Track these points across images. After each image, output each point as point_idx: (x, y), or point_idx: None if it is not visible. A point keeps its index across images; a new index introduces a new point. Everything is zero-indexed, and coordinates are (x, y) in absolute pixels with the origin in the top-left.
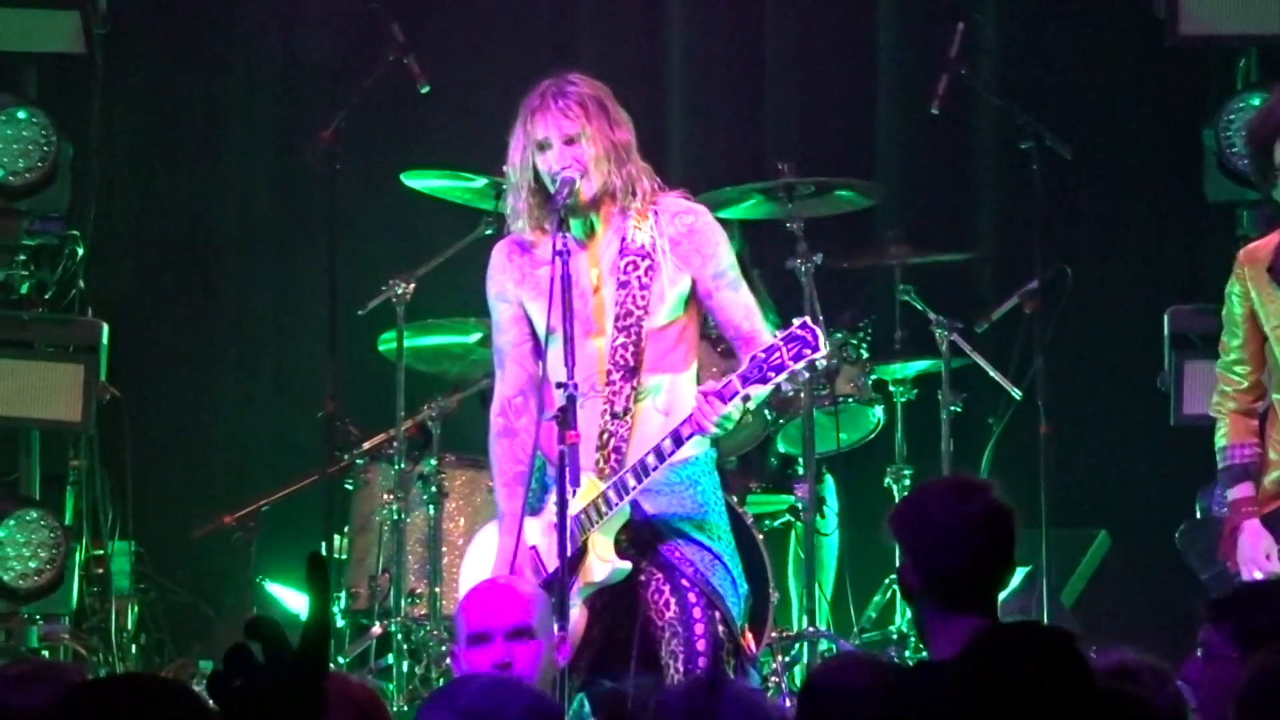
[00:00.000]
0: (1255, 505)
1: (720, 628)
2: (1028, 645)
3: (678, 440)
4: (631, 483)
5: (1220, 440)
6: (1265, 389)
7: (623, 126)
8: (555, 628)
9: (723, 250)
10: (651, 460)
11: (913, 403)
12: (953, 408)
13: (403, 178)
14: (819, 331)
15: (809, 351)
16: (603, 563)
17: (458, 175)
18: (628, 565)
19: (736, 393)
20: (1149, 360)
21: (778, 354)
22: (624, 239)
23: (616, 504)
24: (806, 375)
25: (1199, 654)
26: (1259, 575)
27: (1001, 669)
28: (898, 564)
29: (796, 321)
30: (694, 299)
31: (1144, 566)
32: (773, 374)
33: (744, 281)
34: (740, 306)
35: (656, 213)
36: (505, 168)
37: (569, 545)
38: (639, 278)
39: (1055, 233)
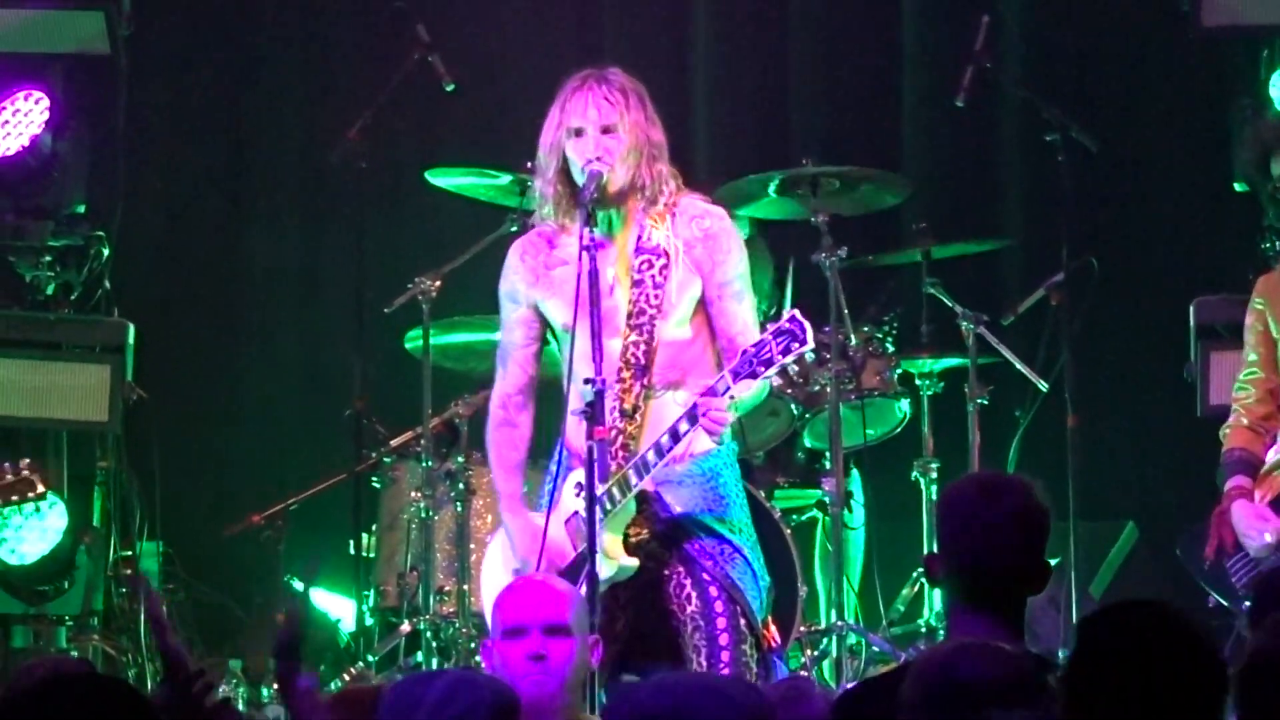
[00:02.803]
0: (1247, 494)
1: (742, 621)
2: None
3: (675, 436)
4: (633, 479)
5: (1224, 441)
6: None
7: (657, 126)
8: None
9: (735, 258)
10: (652, 456)
11: (939, 396)
12: (979, 401)
13: (427, 175)
14: (806, 325)
15: (796, 345)
16: (610, 559)
17: (482, 172)
18: (634, 562)
19: (728, 388)
20: (1176, 351)
21: (767, 349)
22: (640, 238)
23: (620, 500)
24: (795, 369)
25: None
26: (1269, 538)
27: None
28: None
29: (785, 315)
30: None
31: (1172, 557)
32: (761, 368)
33: (750, 295)
34: (739, 319)
35: (675, 214)
36: (539, 153)
37: (584, 542)
38: (653, 277)
39: (1081, 224)
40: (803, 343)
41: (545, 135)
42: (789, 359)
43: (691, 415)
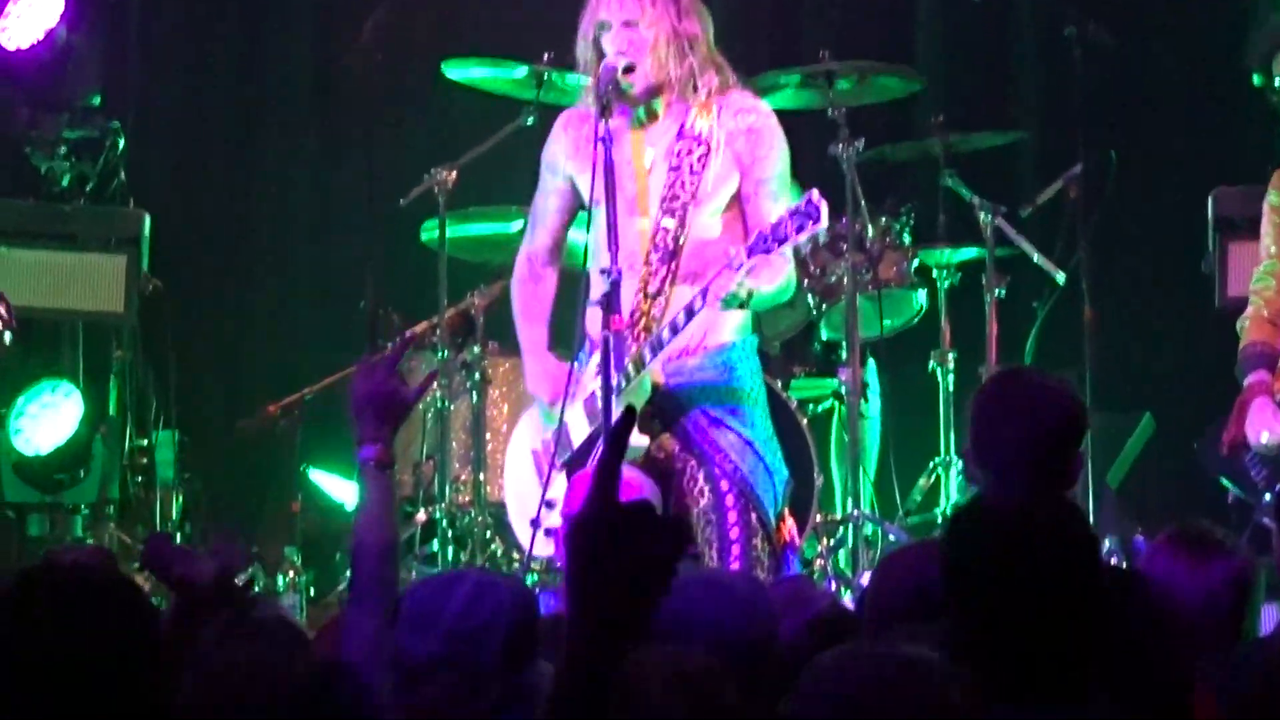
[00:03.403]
0: (1268, 388)
1: (753, 515)
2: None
3: (690, 312)
4: (647, 356)
5: (1242, 335)
6: None
7: (693, 18)
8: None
9: (775, 156)
10: (666, 334)
11: (956, 287)
12: (997, 292)
13: (443, 68)
14: (822, 206)
15: (811, 224)
16: None
17: (498, 64)
18: (644, 440)
19: (743, 264)
20: (1193, 243)
21: (782, 227)
22: (684, 125)
23: (635, 378)
24: (808, 247)
25: None
26: (1266, 439)
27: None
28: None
29: (803, 195)
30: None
31: (1188, 449)
32: (775, 245)
33: (787, 196)
34: (774, 217)
35: (721, 106)
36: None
37: (598, 422)
38: (691, 164)
39: (1098, 118)
40: (816, 221)
41: (583, 27)
42: (803, 236)
43: (705, 292)
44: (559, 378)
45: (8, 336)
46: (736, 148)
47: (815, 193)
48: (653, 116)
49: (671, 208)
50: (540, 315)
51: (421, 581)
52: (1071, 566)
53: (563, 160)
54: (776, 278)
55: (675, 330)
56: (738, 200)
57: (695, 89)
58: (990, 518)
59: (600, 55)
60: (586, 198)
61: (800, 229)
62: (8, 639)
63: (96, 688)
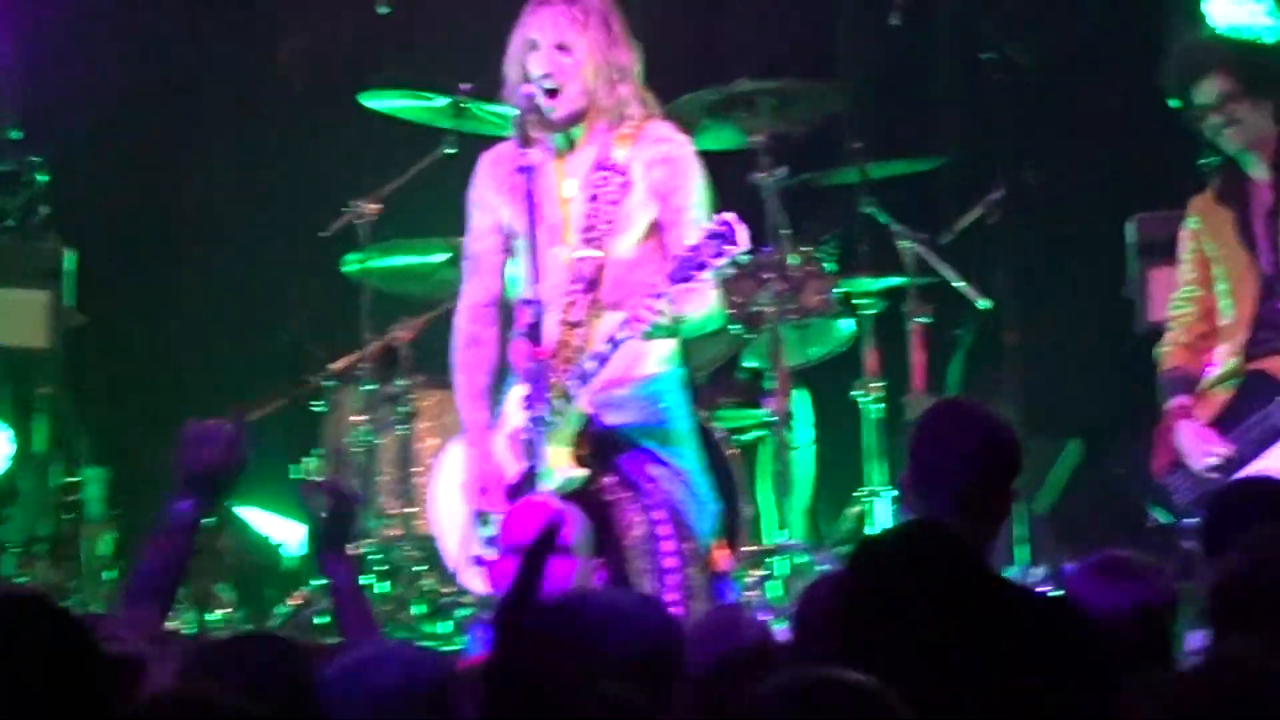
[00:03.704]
0: (1189, 412)
1: (686, 545)
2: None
3: (614, 342)
4: (574, 387)
5: (1162, 360)
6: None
7: (623, 48)
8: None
9: (692, 186)
10: (590, 365)
11: (881, 316)
12: (920, 319)
13: (360, 99)
14: (738, 228)
15: (729, 247)
16: (556, 471)
17: (417, 95)
18: (582, 472)
19: (664, 294)
20: (1114, 268)
21: (698, 253)
22: (601, 153)
23: (565, 410)
24: (731, 272)
25: None
26: (1213, 460)
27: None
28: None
29: (716, 219)
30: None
31: (1115, 474)
32: (695, 272)
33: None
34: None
35: (641, 137)
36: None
37: (529, 459)
38: (608, 194)
39: (1018, 142)
40: (733, 242)
41: (510, 44)
42: (722, 261)
43: (629, 322)
44: (490, 483)
45: None
46: (653, 177)
47: (730, 215)
48: (570, 145)
49: (590, 237)
50: (482, 391)
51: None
52: (949, 594)
53: (492, 197)
54: (701, 304)
55: (601, 361)
56: (657, 229)
57: (620, 119)
58: (872, 547)
59: (525, 74)
60: (513, 230)
61: (718, 254)
62: None
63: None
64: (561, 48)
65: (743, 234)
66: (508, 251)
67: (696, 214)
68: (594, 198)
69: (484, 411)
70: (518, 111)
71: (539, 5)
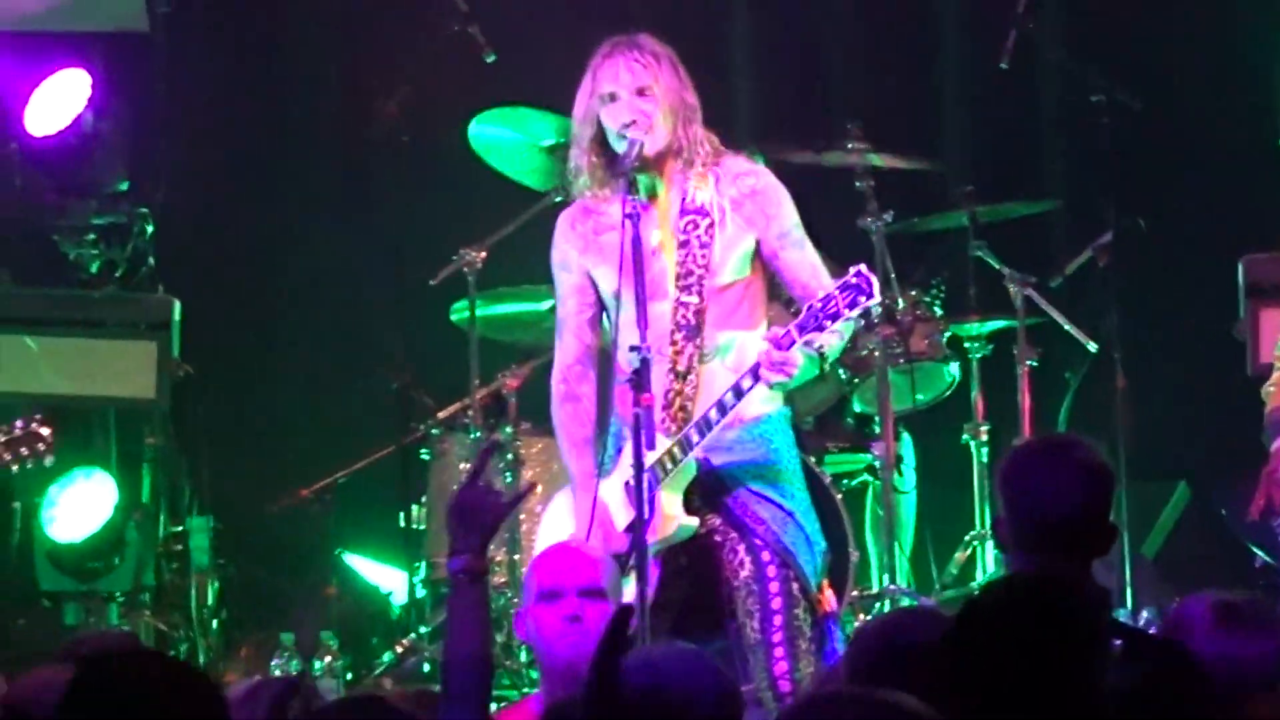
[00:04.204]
0: None
1: (795, 585)
2: (1034, 593)
3: (739, 393)
4: (695, 438)
5: (1267, 400)
6: None
7: (690, 89)
8: (626, 592)
9: (786, 209)
10: (714, 414)
11: (988, 359)
12: (1029, 363)
13: (473, 123)
14: (873, 279)
15: (864, 299)
16: (670, 519)
17: (523, 123)
18: (694, 521)
19: (794, 341)
20: (1225, 310)
21: (833, 302)
22: (684, 199)
23: (682, 459)
24: (862, 323)
25: None
26: None
27: (999, 613)
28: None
29: (851, 270)
30: (759, 259)
31: (1224, 518)
32: (829, 321)
33: (809, 241)
34: (806, 265)
35: (718, 175)
36: (573, 124)
37: (642, 507)
38: (699, 237)
39: (1127, 185)
40: (869, 295)
41: (579, 105)
42: (855, 312)
43: (755, 371)
44: (599, 527)
45: (48, 460)
46: (745, 212)
47: (863, 266)
48: (653, 194)
49: (687, 284)
50: (585, 441)
51: None
52: (1077, 645)
53: (576, 257)
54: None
55: (724, 410)
56: (757, 263)
57: (692, 161)
58: (1000, 595)
59: (600, 131)
60: (605, 288)
61: (853, 304)
62: None
63: None
64: (641, 93)
65: (877, 285)
66: (595, 308)
67: (799, 235)
68: (684, 244)
69: (589, 460)
70: (623, 159)
71: (606, 58)
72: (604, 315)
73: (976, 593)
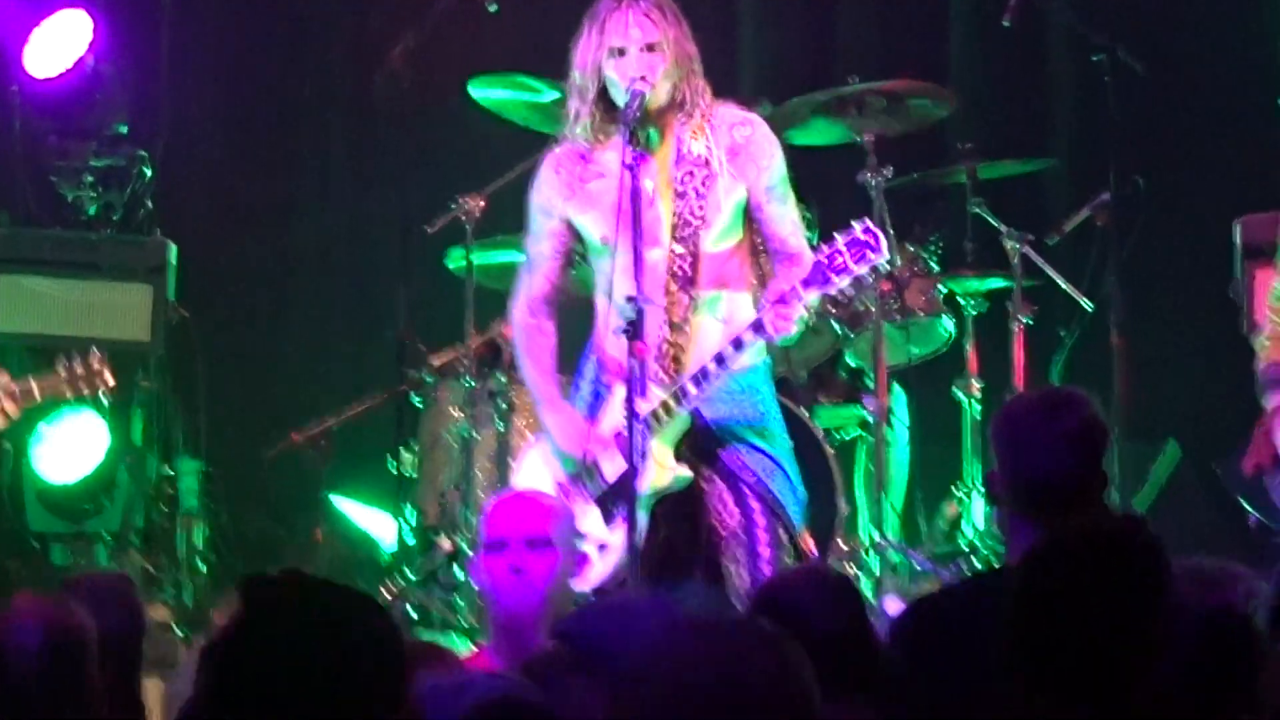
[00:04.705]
0: None
1: (782, 533)
2: (1093, 543)
3: (739, 345)
4: (692, 389)
5: (1260, 356)
6: None
7: (692, 40)
8: (582, 543)
9: (777, 162)
10: (713, 367)
11: (983, 315)
12: (1024, 320)
13: (470, 86)
14: (880, 235)
15: (872, 254)
16: (663, 469)
17: (523, 87)
18: (688, 472)
19: (800, 297)
20: (1221, 270)
21: (840, 257)
22: (680, 150)
23: (677, 410)
24: (870, 280)
25: None
26: None
27: (1063, 569)
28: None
29: (858, 225)
30: (748, 215)
31: (1217, 476)
32: (835, 276)
33: (792, 196)
34: (787, 221)
35: (712, 124)
36: (574, 73)
37: (634, 456)
38: (695, 188)
39: (1127, 144)
40: (877, 251)
41: (582, 56)
42: (863, 268)
43: (758, 324)
44: (584, 431)
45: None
46: (738, 162)
47: (868, 221)
48: (650, 146)
49: (684, 235)
50: (550, 366)
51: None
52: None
53: (558, 203)
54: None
55: (722, 363)
56: (748, 220)
57: (696, 108)
58: (1063, 547)
59: (602, 84)
60: (593, 234)
61: (860, 260)
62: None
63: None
64: (651, 48)
65: (885, 242)
66: (567, 256)
67: (783, 189)
68: (681, 194)
69: (555, 386)
70: (627, 110)
71: (612, 11)
72: (583, 260)
73: (1040, 548)
